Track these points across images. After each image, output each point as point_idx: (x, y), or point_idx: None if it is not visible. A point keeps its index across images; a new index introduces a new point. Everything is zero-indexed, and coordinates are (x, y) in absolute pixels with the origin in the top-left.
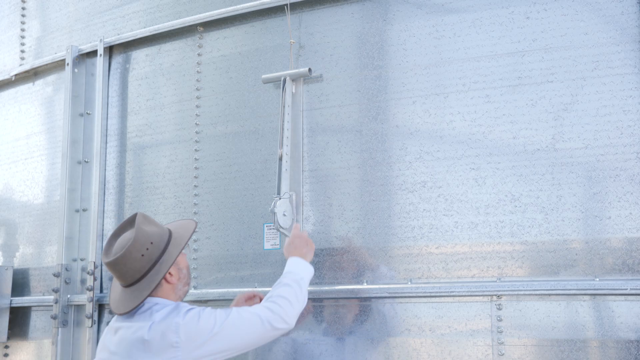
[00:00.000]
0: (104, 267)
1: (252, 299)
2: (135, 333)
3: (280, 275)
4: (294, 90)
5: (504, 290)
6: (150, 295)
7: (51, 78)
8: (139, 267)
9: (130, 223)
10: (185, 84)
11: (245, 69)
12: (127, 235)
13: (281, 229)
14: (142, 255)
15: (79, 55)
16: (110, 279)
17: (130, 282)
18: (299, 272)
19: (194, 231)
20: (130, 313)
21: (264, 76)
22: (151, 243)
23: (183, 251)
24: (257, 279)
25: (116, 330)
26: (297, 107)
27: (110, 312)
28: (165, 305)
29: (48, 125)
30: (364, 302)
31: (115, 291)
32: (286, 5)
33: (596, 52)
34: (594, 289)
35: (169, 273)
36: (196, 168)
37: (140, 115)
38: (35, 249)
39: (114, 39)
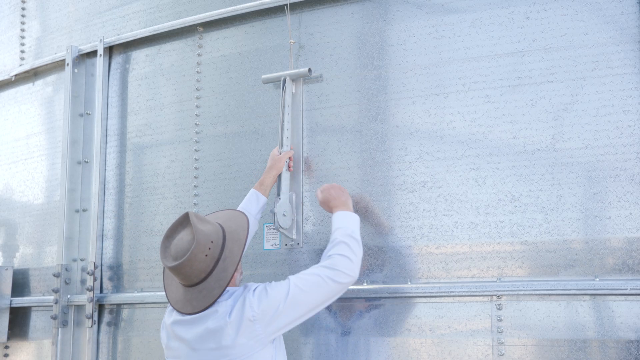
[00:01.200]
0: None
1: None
2: (214, 320)
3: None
4: (294, 90)
5: (504, 290)
6: None
7: (51, 78)
8: (203, 267)
9: (181, 224)
10: (185, 84)
11: (245, 69)
12: (185, 237)
13: (281, 229)
14: (206, 255)
15: (79, 55)
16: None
17: (195, 282)
18: (348, 225)
19: (248, 225)
20: None
21: (263, 76)
22: (211, 242)
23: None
24: (257, 279)
25: (188, 323)
26: (297, 107)
27: (110, 312)
28: (233, 290)
29: (48, 125)
30: (364, 302)
31: (175, 291)
32: (286, 5)
33: (596, 52)
34: (594, 289)
35: None
36: (196, 168)
37: (140, 115)
38: (35, 249)
39: (113, 39)
